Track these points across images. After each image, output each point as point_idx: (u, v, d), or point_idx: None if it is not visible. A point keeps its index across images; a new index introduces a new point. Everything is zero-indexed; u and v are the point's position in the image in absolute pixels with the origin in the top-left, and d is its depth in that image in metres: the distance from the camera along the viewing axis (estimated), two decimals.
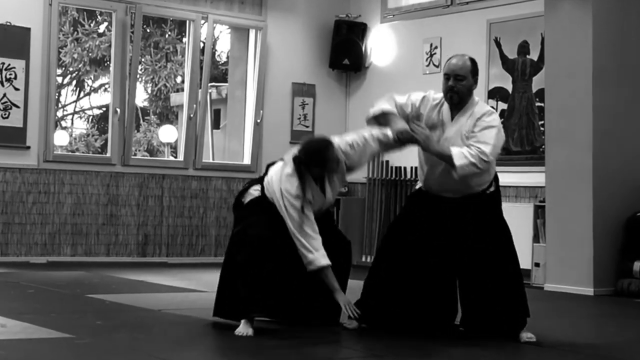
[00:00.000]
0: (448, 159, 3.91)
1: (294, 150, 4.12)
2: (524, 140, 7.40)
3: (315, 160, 3.99)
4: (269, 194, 4.08)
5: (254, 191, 4.15)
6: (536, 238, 7.00)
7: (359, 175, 8.65)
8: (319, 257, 3.95)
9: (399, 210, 7.63)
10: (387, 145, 4.13)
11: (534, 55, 7.38)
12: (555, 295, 6.32)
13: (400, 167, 8.39)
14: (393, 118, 4.05)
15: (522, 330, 4.08)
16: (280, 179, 4.03)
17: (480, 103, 4.11)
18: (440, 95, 4.11)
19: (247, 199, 4.14)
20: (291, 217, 3.96)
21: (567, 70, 6.56)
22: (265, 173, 4.20)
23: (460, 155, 3.90)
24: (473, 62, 4.09)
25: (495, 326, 4.09)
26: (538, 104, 7.28)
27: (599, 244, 6.42)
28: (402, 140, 4.02)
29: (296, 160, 4.03)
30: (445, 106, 4.09)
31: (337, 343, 3.97)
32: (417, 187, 4.30)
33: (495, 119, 4.02)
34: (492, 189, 4.15)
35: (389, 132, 4.06)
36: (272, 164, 4.23)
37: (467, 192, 4.07)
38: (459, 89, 4.01)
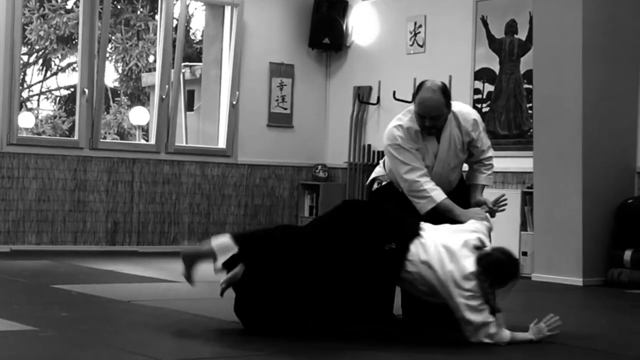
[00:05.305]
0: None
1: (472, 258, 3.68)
2: (511, 124, 7.34)
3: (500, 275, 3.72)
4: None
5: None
6: (523, 226, 6.96)
7: (340, 160, 8.47)
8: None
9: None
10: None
11: (522, 35, 7.29)
12: (543, 285, 6.31)
13: (381, 152, 8.17)
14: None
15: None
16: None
17: (453, 109, 4.06)
18: (407, 119, 4.05)
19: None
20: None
21: (556, 52, 6.50)
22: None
23: (489, 180, 4.22)
24: (444, 91, 4.00)
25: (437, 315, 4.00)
26: (526, 85, 7.21)
27: (589, 232, 6.37)
28: None
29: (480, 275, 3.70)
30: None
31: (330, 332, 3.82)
32: (384, 184, 4.25)
33: (472, 115, 4.14)
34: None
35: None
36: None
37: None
38: (437, 125, 4.01)
